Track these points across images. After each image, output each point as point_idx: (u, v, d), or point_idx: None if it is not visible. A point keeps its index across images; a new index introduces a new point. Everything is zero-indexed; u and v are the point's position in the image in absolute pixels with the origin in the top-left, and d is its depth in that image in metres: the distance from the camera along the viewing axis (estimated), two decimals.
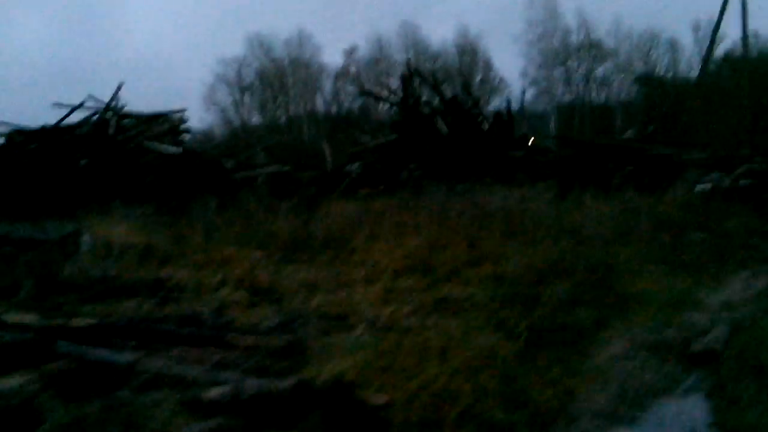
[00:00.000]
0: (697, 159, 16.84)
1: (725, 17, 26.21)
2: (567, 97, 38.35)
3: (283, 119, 40.98)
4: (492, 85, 39.60)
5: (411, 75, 22.06)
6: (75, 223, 11.76)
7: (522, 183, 14.50)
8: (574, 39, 38.60)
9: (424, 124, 19.87)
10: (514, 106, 27.52)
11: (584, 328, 5.80)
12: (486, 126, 20.41)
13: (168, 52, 55.25)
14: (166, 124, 19.28)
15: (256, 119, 41.64)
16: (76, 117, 18.41)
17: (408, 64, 25.19)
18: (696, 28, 33.81)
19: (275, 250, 9.78)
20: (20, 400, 3.74)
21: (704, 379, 4.75)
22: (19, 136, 17.39)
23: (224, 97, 41.62)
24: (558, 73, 38.68)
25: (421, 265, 8.21)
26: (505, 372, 4.64)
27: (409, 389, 4.22)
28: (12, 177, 15.81)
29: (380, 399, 3.96)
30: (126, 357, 4.58)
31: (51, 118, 18.10)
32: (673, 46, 37.26)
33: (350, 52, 40.38)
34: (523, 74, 38.43)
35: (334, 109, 40.13)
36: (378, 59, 40.57)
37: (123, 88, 19.03)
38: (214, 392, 3.75)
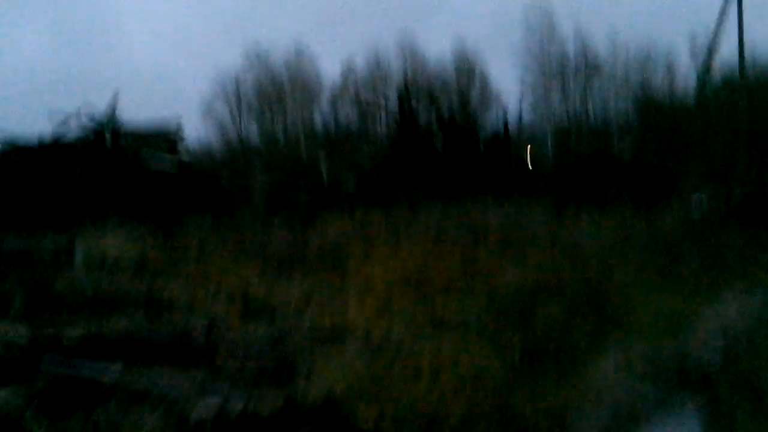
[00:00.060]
0: (693, 177, 16.85)
1: (723, 33, 26.26)
2: (564, 114, 38.35)
3: (281, 134, 40.93)
4: (489, 100, 39.59)
5: (408, 92, 22.08)
6: (69, 236, 11.68)
7: (518, 200, 14.46)
8: (572, 55, 38.62)
9: (421, 140, 19.86)
10: (511, 122, 27.55)
11: (578, 346, 5.74)
12: (482, 143, 20.40)
13: (166, 65, 55.14)
14: (162, 137, 19.21)
15: (253, 133, 41.57)
16: (72, 127, 18.34)
17: (405, 81, 25.23)
18: (693, 45, 33.86)
19: (269, 264, 9.72)
20: (2, 416, 3.67)
21: (699, 398, 4.70)
22: (14, 147, 17.30)
23: (222, 110, 41.55)
24: (555, 89, 38.68)
25: (416, 281, 8.15)
26: (497, 390, 4.59)
27: (400, 407, 4.17)
28: (6, 189, 15.72)
29: (369, 418, 3.90)
30: (113, 372, 4.51)
31: (48, 128, 18.04)
32: (669, 62, 37.30)
33: (348, 66, 40.38)
34: (520, 90, 38.44)
35: (331, 124, 40.07)
36: (375, 73, 40.60)
37: (120, 101, 18.96)
38: (199, 410, 3.68)
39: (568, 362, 5.37)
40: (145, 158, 17.50)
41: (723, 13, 25.30)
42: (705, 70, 27.70)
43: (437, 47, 49.77)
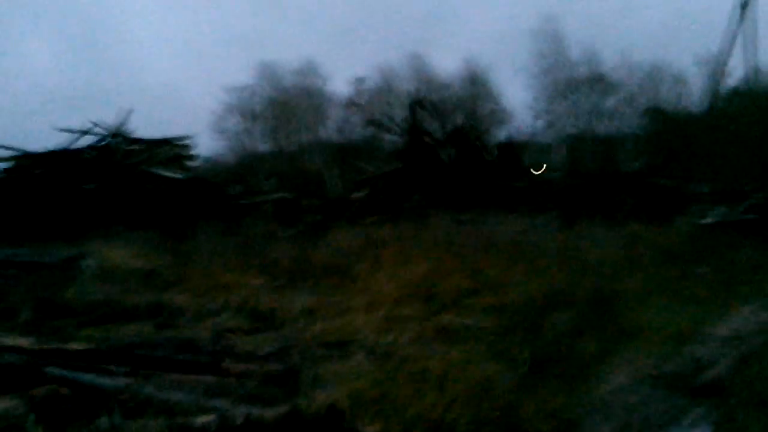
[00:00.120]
0: (703, 192, 16.77)
1: (733, 47, 26.28)
2: (573, 129, 38.30)
3: (291, 147, 41.02)
4: (498, 115, 39.60)
5: (417, 103, 22.12)
6: (78, 247, 11.74)
7: (526, 213, 14.44)
8: (581, 72, 38.62)
9: (429, 153, 19.88)
10: (521, 137, 27.54)
11: (587, 358, 5.67)
12: (491, 156, 20.40)
13: (177, 79, 55.51)
14: (172, 150, 19.33)
15: (264, 147, 41.69)
16: (83, 142, 18.50)
17: (414, 94, 25.29)
18: (702, 62, 33.78)
19: (277, 276, 9.72)
20: (4, 424, 3.65)
21: (710, 412, 4.62)
22: (26, 160, 17.44)
23: (233, 124, 41.73)
24: (564, 105, 38.67)
25: (423, 293, 8.12)
26: (504, 402, 4.53)
27: (405, 419, 4.12)
28: (18, 201, 15.83)
29: (373, 429, 3.86)
30: (116, 382, 4.49)
31: (59, 143, 18.20)
32: (679, 77, 37.23)
33: (358, 82, 40.52)
34: (530, 106, 38.44)
35: (341, 138, 40.15)
36: (385, 89, 40.69)
37: (132, 115, 19.13)
38: (201, 420, 3.65)
39: (577, 373, 5.31)
40: (155, 171, 17.59)
41: (732, 26, 25.32)
42: (715, 84, 27.67)
43: (447, 64, 49.82)
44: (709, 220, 13.79)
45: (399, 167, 20.38)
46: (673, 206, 15.11)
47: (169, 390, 4.48)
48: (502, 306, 7.30)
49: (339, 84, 44.06)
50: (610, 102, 38.55)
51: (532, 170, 20.87)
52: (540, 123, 37.58)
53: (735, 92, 29.55)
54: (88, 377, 4.64)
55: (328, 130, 41.43)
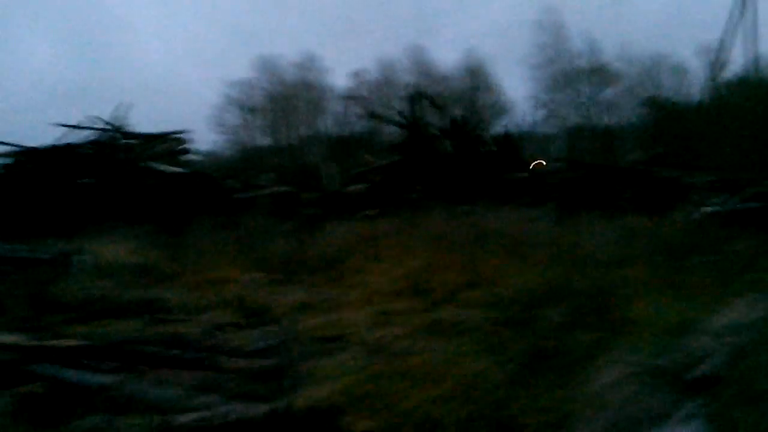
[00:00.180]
0: (703, 182, 16.68)
1: (734, 39, 26.16)
2: (574, 120, 38.23)
3: (291, 141, 41.00)
4: (499, 107, 39.55)
5: (416, 96, 22.05)
6: (73, 243, 11.69)
7: (524, 205, 14.37)
8: (581, 63, 38.54)
9: (428, 145, 19.81)
10: (521, 128, 27.47)
11: (581, 352, 5.61)
12: (490, 148, 20.32)
13: (177, 73, 55.52)
14: (169, 145, 19.29)
15: (263, 141, 41.69)
16: (80, 137, 18.47)
17: (413, 86, 25.21)
18: (703, 52, 33.65)
19: (271, 270, 9.67)
20: None
21: (704, 407, 4.56)
22: (23, 156, 17.39)
23: (232, 118, 41.72)
24: (564, 96, 38.60)
25: (418, 287, 8.08)
26: (496, 398, 4.48)
27: (396, 415, 4.08)
28: (14, 196, 15.78)
29: (363, 426, 3.81)
30: (104, 379, 4.44)
31: (57, 138, 18.18)
32: (679, 69, 37.13)
33: (358, 75, 40.47)
34: (530, 97, 38.38)
35: (341, 130, 40.14)
36: (385, 82, 40.64)
37: (130, 109, 19.13)
38: (187, 418, 3.59)
39: (570, 367, 5.25)
40: (152, 166, 17.55)
41: (732, 16, 25.21)
42: (715, 75, 27.58)
43: (447, 56, 49.79)
44: (709, 210, 13.71)
45: (397, 160, 20.31)
46: (673, 197, 15.03)
47: (157, 387, 4.44)
48: (496, 300, 7.23)
49: (338, 77, 44.08)
50: (610, 93, 38.50)
51: (531, 162, 20.81)
52: (540, 114, 37.54)
53: (735, 82, 29.46)
54: (75, 374, 4.59)
55: (328, 124, 41.46)
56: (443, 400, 4.33)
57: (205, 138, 37.65)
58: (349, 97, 40.15)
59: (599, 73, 38.27)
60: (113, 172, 16.94)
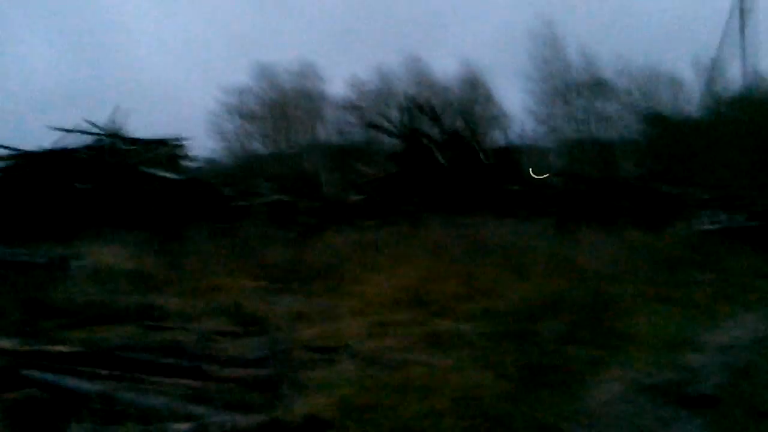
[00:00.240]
0: (700, 198, 16.68)
1: (729, 53, 26.29)
2: (570, 133, 38.24)
3: (289, 149, 40.96)
4: (495, 119, 39.55)
5: (412, 107, 22.03)
6: (70, 248, 11.63)
7: (521, 217, 14.33)
8: (579, 76, 38.56)
9: (425, 156, 19.78)
10: (519, 140, 27.45)
11: (579, 367, 5.57)
12: (488, 160, 20.29)
13: (176, 79, 55.52)
14: (167, 151, 19.24)
15: (261, 148, 41.63)
16: (78, 141, 18.40)
17: (410, 96, 25.19)
18: (700, 66, 33.73)
19: (267, 279, 9.64)
20: None
21: (702, 424, 4.53)
22: (21, 159, 17.34)
23: (229, 125, 41.66)
24: (563, 109, 38.63)
25: (415, 298, 8.03)
26: (493, 412, 4.43)
27: (391, 428, 4.03)
28: (11, 200, 15.72)
29: None
30: (96, 386, 4.38)
31: (53, 141, 18.12)
32: (675, 81, 37.18)
33: (355, 84, 40.48)
34: (527, 109, 38.40)
35: (337, 139, 40.10)
36: (383, 91, 40.65)
37: (129, 115, 19.09)
38: (177, 428, 3.54)
39: (568, 382, 5.20)
40: (150, 171, 17.49)
41: (730, 31, 25.30)
42: (710, 87, 27.64)
43: (446, 67, 49.83)
44: (708, 226, 13.70)
45: (396, 170, 20.27)
46: (672, 212, 15.02)
47: (148, 395, 4.38)
48: (494, 312, 7.20)
49: (337, 86, 43.97)
50: (609, 106, 38.51)
51: (529, 175, 20.77)
52: (538, 127, 37.54)
53: (734, 97, 29.52)
54: (67, 381, 4.53)
55: (326, 132, 41.40)
56: (439, 414, 4.29)
57: (203, 144, 37.55)
58: (347, 107, 40.13)
59: (597, 87, 38.30)
60: (110, 176, 16.87)
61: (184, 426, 3.57)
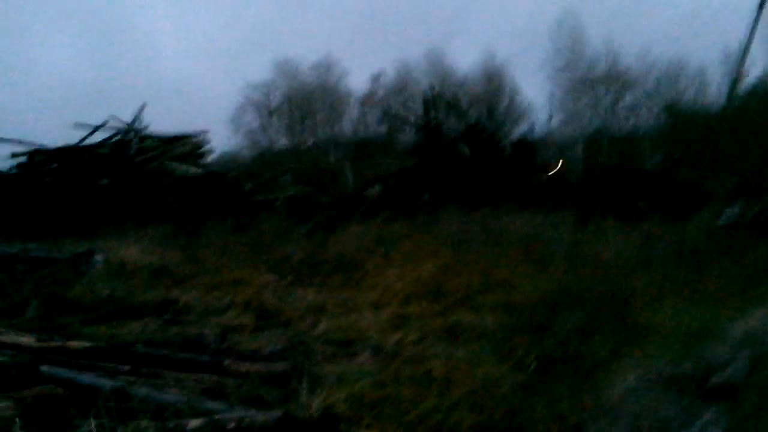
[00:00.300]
0: (723, 188, 16.48)
1: (756, 43, 25.90)
2: (593, 125, 37.95)
3: (309, 143, 41.03)
4: (518, 111, 39.32)
5: (433, 99, 21.96)
6: (90, 243, 11.72)
7: (542, 209, 14.24)
8: (599, 68, 38.25)
9: (446, 148, 19.71)
10: (539, 132, 27.25)
11: (597, 359, 5.51)
12: (508, 152, 20.19)
13: (195, 75, 55.69)
14: (186, 146, 19.33)
15: (282, 142, 41.72)
16: (97, 137, 18.56)
17: (431, 88, 25.11)
18: (725, 57, 33.31)
19: (287, 273, 9.65)
20: None
21: (722, 415, 4.47)
22: (40, 155, 17.49)
23: (251, 120, 41.78)
24: (583, 101, 38.34)
25: (433, 290, 8.00)
26: (510, 404, 4.41)
27: (406, 422, 4.02)
28: (31, 196, 15.87)
29: (375, 429, 3.76)
30: (113, 382, 4.40)
31: (74, 138, 18.26)
32: (700, 75, 36.76)
33: (376, 78, 40.41)
34: (550, 101, 38.14)
35: (358, 134, 40.09)
36: (404, 85, 40.56)
37: (149, 110, 19.19)
38: (192, 424, 3.54)
39: (587, 375, 5.16)
40: (169, 167, 17.59)
41: (753, 22, 24.95)
42: (735, 81, 27.30)
43: (465, 60, 49.60)
44: (729, 217, 13.53)
45: (414, 163, 20.22)
46: (692, 204, 14.84)
47: (165, 390, 4.40)
48: (511, 305, 7.16)
49: (356, 80, 43.94)
50: (629, 98, 38.18)
51: (548, 167, 20.63)
52: (558, 119, 37.29)
53: (755, 89, 29.13)
54: (83, 377, 4.56)
55: (345, 127, 41.42)
56: (457, 407, 4.27)
57: (223, 139, 37.73)
58: (367, 100, 40.10)
59: (617, 79, 37.98)
60: (130, 172, 16.99)
61: (198, 422, 3.57)
